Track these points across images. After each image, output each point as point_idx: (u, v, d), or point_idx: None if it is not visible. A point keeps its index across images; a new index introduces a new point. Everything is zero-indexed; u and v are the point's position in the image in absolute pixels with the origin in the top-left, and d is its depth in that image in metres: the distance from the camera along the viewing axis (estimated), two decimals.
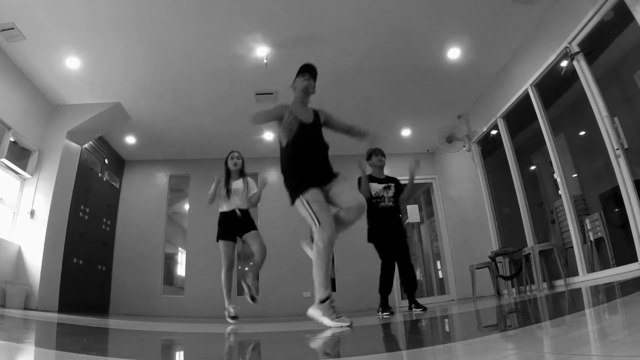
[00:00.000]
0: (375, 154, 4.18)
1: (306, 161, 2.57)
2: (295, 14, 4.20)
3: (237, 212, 3.92)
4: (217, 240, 3.93)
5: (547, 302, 2.70)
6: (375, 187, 4.08)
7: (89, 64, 4.71)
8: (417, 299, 4.00)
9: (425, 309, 3.86)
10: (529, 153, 5.93)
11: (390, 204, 4.05)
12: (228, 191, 3.97)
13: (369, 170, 4.23)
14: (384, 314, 3.83)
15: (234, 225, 3.92)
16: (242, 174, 4.11)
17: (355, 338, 1.78)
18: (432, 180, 7.46)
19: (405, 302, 6.51)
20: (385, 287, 3.97)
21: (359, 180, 3.97)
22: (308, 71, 2.71)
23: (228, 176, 4.07)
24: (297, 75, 2.74)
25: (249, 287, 3.72)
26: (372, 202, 4.03)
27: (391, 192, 4.09)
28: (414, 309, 3.91)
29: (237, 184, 4.03)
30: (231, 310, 3.81)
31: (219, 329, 3.02)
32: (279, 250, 5.58)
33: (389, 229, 4.00)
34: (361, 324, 2.47)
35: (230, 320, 3.77)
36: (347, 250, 5.99)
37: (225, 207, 4.00)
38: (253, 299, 3.74)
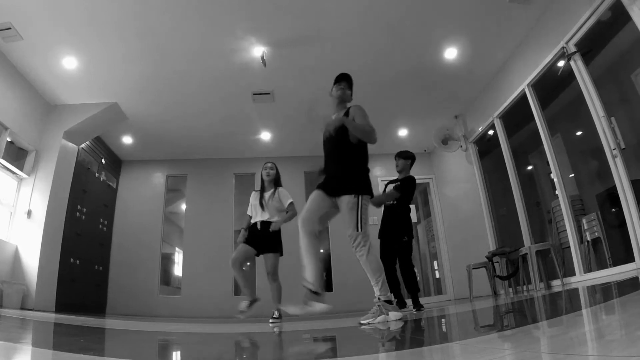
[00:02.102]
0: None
1: (325, 165, 2.80)
2: (293, 15, 4.20)
3: (258, 225, 3.85)
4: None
5: (544, 302, 2.71)
6: (389, 188, 4.30)
7: (86, 64, 4.70)
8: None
9: (422, 308, 3.89)
10: (526, 153, 5.93)
11: (391, 202, 4.18)
12: (261, 204, 3.90)
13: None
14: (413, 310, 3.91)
15: (254, 237, 3.85)
16: (276, 184, 4.01)
17: (349, 339, 1.78)
18: (429, 180, 7.46)
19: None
20: (392, 286, 4.00)
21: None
22: (344, 80, 2.92)
23: (263, 187, 4.04)
24: (333, 84, 2.95)
25: (278, 312, 3.79)
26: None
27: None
28: (412, 309, 3.94)
29: (265, 196, 3.93)
30: (242, 305, 3.81)
31: (216, 329, 3.02)
32: None
33: (386, 227, 4.16)
34: (357, 324, 2.47)
35: (239, 314, 3.79)
36: (342, 250, 5.98)
37: (254, 218, 3.96)
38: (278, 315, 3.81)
